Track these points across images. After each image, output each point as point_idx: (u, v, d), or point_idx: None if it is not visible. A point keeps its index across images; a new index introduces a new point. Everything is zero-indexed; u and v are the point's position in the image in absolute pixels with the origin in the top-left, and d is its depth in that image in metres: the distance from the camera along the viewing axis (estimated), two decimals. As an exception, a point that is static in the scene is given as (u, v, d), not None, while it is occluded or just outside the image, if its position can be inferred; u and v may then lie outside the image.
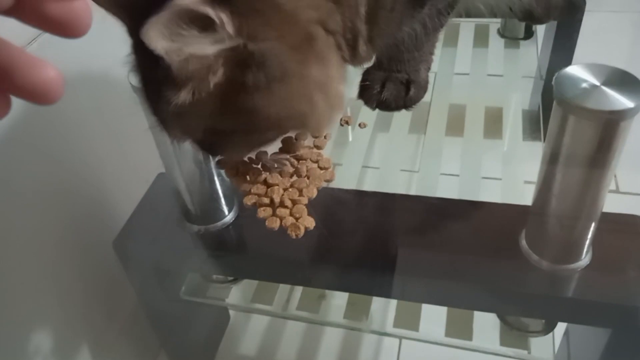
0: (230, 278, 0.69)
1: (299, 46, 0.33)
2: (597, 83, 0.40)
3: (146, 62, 0.33)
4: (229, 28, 0.30)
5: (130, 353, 0.76)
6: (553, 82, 0.41)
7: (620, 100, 0.39)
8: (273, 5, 0.32)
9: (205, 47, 0.30)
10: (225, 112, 0.34)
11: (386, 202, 0.58)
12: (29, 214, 0.57)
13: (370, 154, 0.80)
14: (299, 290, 0.67)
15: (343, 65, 0.38)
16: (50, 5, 0.20)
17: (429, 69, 0.53)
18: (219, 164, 0.51)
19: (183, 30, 0.29)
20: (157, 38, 0.28)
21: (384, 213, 0.57)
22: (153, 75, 0.32)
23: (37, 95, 0.20)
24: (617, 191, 0.97)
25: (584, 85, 0.40)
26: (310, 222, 0.45)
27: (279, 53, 0.32)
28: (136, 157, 0.70)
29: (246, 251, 0.57)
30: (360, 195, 0.61)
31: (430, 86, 0.62)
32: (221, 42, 0.30)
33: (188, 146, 0.52)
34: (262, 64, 0.32)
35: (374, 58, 0.50)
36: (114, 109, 0.66)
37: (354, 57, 0.40)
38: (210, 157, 0.42)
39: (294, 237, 0.45)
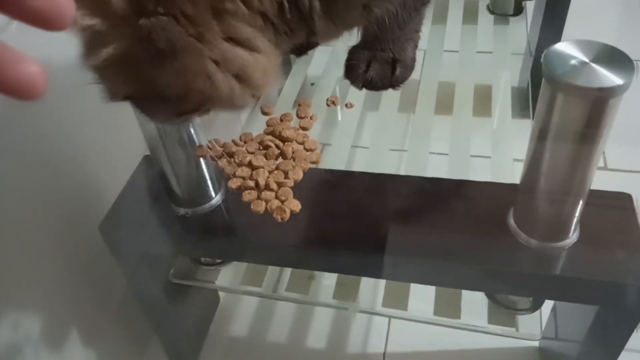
0: (219, 260, 0.68)
1: (198, 22, 0.33)
2: (586, 60, 0.40)
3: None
4: (119, 2, 0.31)
5: (122, 337, 0.76)
6: (542, 59, 0.40)
7: (610, 77, 0.38)
8: None
9: (93, 20, 0.31)
10: (133, 81, 0.35)
11: (375, 182, 0.58)
12: (13, 200, 0.56)
13: (360, 134, 0.80)
14: (288, 271, 0.67)
15: (270, 44, 0.37)
16: None
17: (416, 46, 0.52)
18: (197, 152, 0.50)
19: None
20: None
21: (373, 194, 0.57)
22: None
23: (20, 92, 0.20)
24: (605, 168, 0.97)
25: (573, 62, 0.40)
26: (296, 205, 0.45)
27: (168, 28, 0.32)
28: (121, 139, 0.69)
29: (234, 234, 0.56)
30: (349, 175, 0.60)
31: (419, 64, 0.61)
32: (110, 17, 0.31)
33: (172, 128, 0.51)
34: (149, 37, 0.32)
35: (358, 36, 0.49)
36: (97, 90, 0.64)
37: (310, 31, 0.39)
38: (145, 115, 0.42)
39: (279, 220, 0.44)
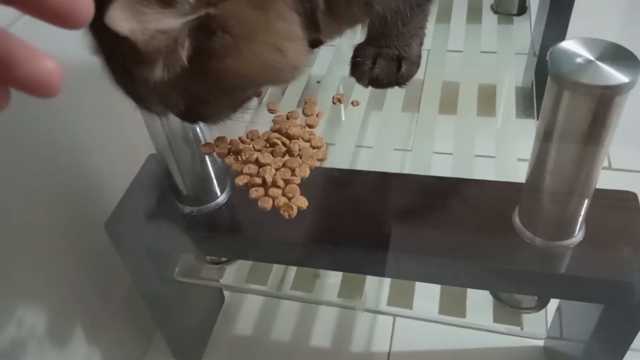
0: (224, 259, 0.69)
1: (259, 3, 0.34)
2: (592, 58, 0.40)
3: (110, 44, 0.33)
4: None
5: (126, 334, 0.77)
6: (547, 57, 0.40)
7: (615, 75, 0.38)
8: None
9: (169, 21, 0.30)
10: (201, 80, 0.35)
11: (380, 181, 0.58)
12: (20, 197, 0.56)
13: (364, 133, 0.80)
14: (293, 269, 0.67)
15: (303, 28, 0.38)
16: None
17: (421, 43, 0.52)
18: (204, 149, 0.50)
19: (145, 9, 0.29)
20: (121, 20, 0.28)
21: (378, 192, 0.57)
22: (120, 56, 0.33)
23: (37, 88, 0.20)
24: (609, 168, 0.97)
25: (579, 60, 0.40)
26: (303, 202, 0.45)
27: (240, 12, 0.33)
28: (127, 137, 0.69)
29: (239, 232, 0.57)
30: (353, 174, 0.60)
31: (423, 64, 0.61)
32: (184, 15, 0.31)
33: (178, 126, 0.51)
34: (225, 25, 0.32)
35: (363, 33, 0.49)
36: (103, 89, 0.64)
37: (315, 29, 0.39)
38: (195, 124, 0.42)
39: (286, 217, 0.44)
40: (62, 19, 0.20)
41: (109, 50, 0.34)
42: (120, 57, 0.33)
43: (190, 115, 0.41)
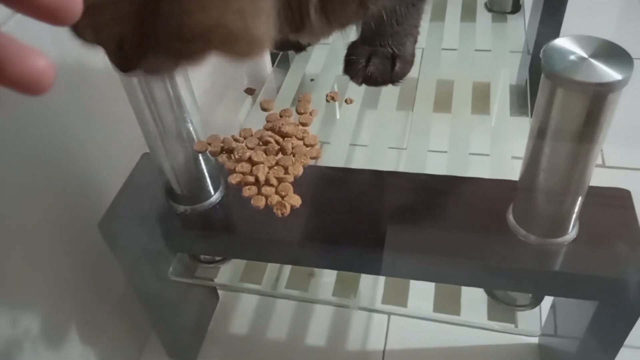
0: (219, 258, 0.68)
1: None
2: (585, 55, 0.40)
3: None
4: None
5: (121, 334, 0.76)
6: (541, 55, 0.40)
7: (609, 72, 0.38)
8: None
9: None
10: (147, 19, 0.32)
11: (374, 179, 0.58)
12: (13, 196, 0.56)
13: (358, 132, 0.80)
14: (287, 268, 0.67)
15: (280, 19, 0.35)
16: None
17: (415, 42, 0.52)
18: (196, 147, 0.50)
19: None
20: None
21: (372, 190, 0.57)
22: None
23: (27, 86, 0.20)
24: (603, 165, 0.98)
25: (572, 57, 0.40)
26: (296, 200, 0.45)
27: None
28: (120, 136, 0.69)
29: (233, 231, 0.56)
30: (348, 172, 0.60)
31: (417, 62, 0.61)
32: None
33: (172, 125, 0.51)
34: None
35: (358, 32, 0.49)
36: (96, 88, 0.64)
37: (301, 27, 0.38)
38: (122, 70, 0.39)
39: (279, 215, 0.44)
40: (51, 16, 0.20)
41: None
42: None
43: (120, 57, 0.36)
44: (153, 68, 0.37)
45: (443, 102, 0.76)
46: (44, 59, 0.20)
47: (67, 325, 0.66)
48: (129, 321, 0.77)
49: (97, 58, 0.61)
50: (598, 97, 0.39)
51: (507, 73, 0.83)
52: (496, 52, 0.86)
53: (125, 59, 0.36)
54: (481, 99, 0.78)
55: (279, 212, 0.44)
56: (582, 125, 0.41)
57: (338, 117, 0.75)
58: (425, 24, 0.63)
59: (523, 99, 0.90)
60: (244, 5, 0.32)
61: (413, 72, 0.56)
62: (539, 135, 0.44)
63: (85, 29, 0.33)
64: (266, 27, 0.34)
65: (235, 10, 0.32)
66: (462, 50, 0.85)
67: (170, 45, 0.34)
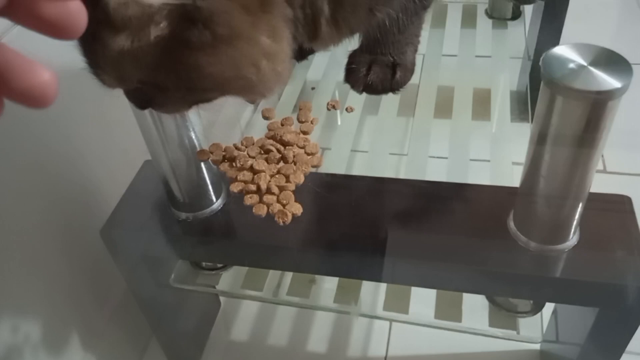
0: (220, 265, 0.68)
1: (253, 9, 0.32)
2: (585, 63, 0.40)
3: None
4: None
5: (121, 340, 0.76)
6: (540, 63, 0.41)
7: (608, 80, 0.39)
8: None
9: None
10: (165, 66, 0.33)
11: (375, 185, 0.58)
12: (15, 203, 0.56)
13: (359, 138, 0.80)
14: (289, 275, 0.67)
15: (292, 43, 0.37)
16: (44, 6, 0.19)
17: (415, 50, 0.53)
18: (199, 155, 0.50)
19: None
20: None
21: (373, 197, 0.57)
22: (92, 13, 0.31)
23: (31, 99, 0.20)
24: (604, 171, 0.98)
25: (572, 65, 0.40)
26: (297, 209, 0.45)
27: (230, 12, 0.31)
28: (122, 144, 0.69)
29: (235, 238, 0.57)
30: (348, 179, 0.60)
31: (418, 68, 0.61)
32: None
33: (174, 133, 0.51)
34: (209, 21, 0.31)
35: (359, 40, 0.50)
36: (98, 95, 0.64)
37: (315, 37, 0.38)
38: (142, 108, 0.41)
39: (281, 223, 0.45)
40: (56, 30, 0.20)
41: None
42: (91, 13, 0.31)
43: (138, 99, 0.38)
44: (168, 109, 0.39)
45: (444, 108, 0.76)
46: (47, 72, 0.20)
47: (67, 331, 0.66)
48: (128, 327, 0.77)
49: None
50: (597, 105, 0.40)
51: (507, 79, 0.83)
52: (496, 59, 0.86)
53: (143, 101, 0.38)
54: (482, 104, 0.78)
55: (281, 221, 0.44)
56: (581, 132, 0.41)
57: (339, 123, 0.75)
58: (425, 31, 0.63)
59: (523, 105, 0.90)
60: (258, 56, 0.34)
61: (414, 78, 0.56)
62: (539, 142, 0.44)
63: (107, 75, 0.35)
64: (279, 71, 0.35)
65: (250, 62, 0.33)
66: (462, 57, 0.86)
67: (189, 92, 0.36)
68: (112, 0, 0.29)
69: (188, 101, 0.38)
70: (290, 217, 0.45)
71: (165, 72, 0.33)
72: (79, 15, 0.20)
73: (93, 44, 0.32)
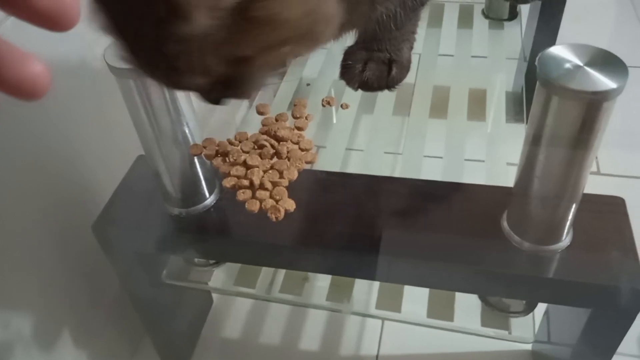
0: (212, 261, 0.68)
1: None
2: (580, 63, 0.40)
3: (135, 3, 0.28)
4: None
5: (114, 337, 0.76)
6: (536, 63, 0.41)
7: (603, 81, 0.39)
8: None
9: None
10: (243, 33, 0.30)
11: (370, 184, 0.58)
12: (7, 200, 0.56)
13: (355, 136, 0.80)
14: (282, 272, 0.67)
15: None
16: None
17: (411, 48, 0.53)
18: (192, 150, 0.49)
19: None
20: None
21: (368, 195, 0.57)
22: (149, 15, 0.28)
23: (23, 92, 0.19)
24: (597, 173, 0.98)
25: (567, 65, 0.40)
26: (290, 205, 0.45)
27: None
28: (116, 139, 0.69)
29: (228, 234, 0.56)
30: (343, 177, 0.60)
31: (414, 67, 0.61)
32: None
33: (167, 127, 0.51)
34: None
35: (355, 36, 0.49)
36: (91, 90, 0.64)
37: None
38: (214, 102, 0.38)
39: (274, 219, 0.44)
40: (50, 22, 0.20)
41: (132, 11, 0.29)
42: (148, 15, 0.28)
43: (220, 88, 0.35)
44: (248, 87, 0.36)
45: (439, 107, 0.77)
46: (39, 63, 0.19)
47: (60, 328, 0.66)
48: (121, 325, 0.76)
49: (92, 57, 0.61)
50: (593, 106, 0.40)
51: (503, 79, 0.83)
52: (492, 59, 0.86)
53: (222, 90, 0.36)
54: (477, 105, 0.78)
55: (273, 217, 0.44)
56: (576, 132, 0.41)
57: (335, 121, 0.75)
58: (422, 30, 0.63)
59: (519, 105, 0.90)
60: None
61: (410, 78, 0.56)
62: (533, 142, 0.44)
63: (188, 75, 0.32)
64: (332, 4, 0.34)
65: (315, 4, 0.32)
66: (458, 57, 0.86)
67: (268, 54, 0.33)
68: None
69: (268, 66, 0.35)
70: (283, 213, 0.44)
71: (244, 39, 0.31)
72: (73, 6, 0.20)
73: (166, 45, 0.30)
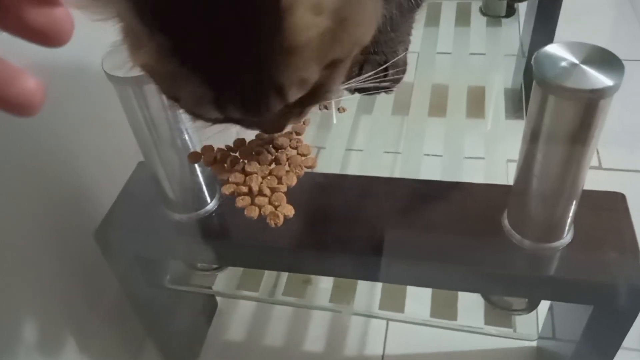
0: (215, 265, 0.68)
1: None
2: (577, 61, 0.40)
3: (226, 17, 0.25)
4: None
5: (117, 342, 0.76)
6: (532, 62, 0.41)
7: (600, 79, 0.38)
8: None
9: None
10: (337, 34, 0.29)
11: (368, 185, 0.58)
12: (8, 205, 0.56)
13: (354, 137, 0.80)
14: (284, 275, 0.67)
15: None
16: (31, 14, 0.19)
17: (406, 49, 0.53)
18: (191, 158, 0.49)
19: None
20: None
21: (367, 197, 0.57)
22: (242, 29, 0.25)
23: (18, 108, 0.20)
24: (599, 167, 0.98)
25: (563, 64, 0.40)
26: (289, 210, 0.45)
27: None
28: (116, 145, 0.69)
29: (229, 239, 0.56)
30: (343, 179, 0.60)
31: (413, 66, 0.61)
32: None
33: (166, 134, 0.51)
34: None
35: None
36: (91, 94, 0.64)
37: None
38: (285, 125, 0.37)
39: (273, 225, 0.44)
40: (43, 39, 0.20)
41: (219, 27, 0.26)
42: (248, 34, 0.26)
43: (311, 97, 0.33)
44: (327, 95, 0.35)
45: (438, 106, 0.77)
46: (33, 80, 0.20)
47: (61, 333, 0.66)
48: (124, 329, 0.77)
49: (91, 63, 0.62)
50: (589, 104, 0.39)
51: (501, 77, 0.83)
52: (491, 56, 0.86)
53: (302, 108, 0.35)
54: (476, 102, 0.78)
55: (272, 223, 0.44)
56: (574, 131, 0.41)
57: (334, 122, 0.75)
58: (420, 29, 0.63)
59: (518, 102, 0.90)
60: None
61: (408, 77, 0.56)
62: (531, 141, 0.44)
63: (292, 88, 0.30)
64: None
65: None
66: (456, 55, 0.86)
67: (351, 55, 0.33)
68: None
69: (346, 70, 0.35)
70: (282, 219, 0.44)
71: (339, 40, 0.30)
72: (66, 21, 0.20)
73: (271, 62, 0.28)
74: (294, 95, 0.30)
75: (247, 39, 0.26)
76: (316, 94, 0.33)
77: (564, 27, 0.94)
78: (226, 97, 0.29)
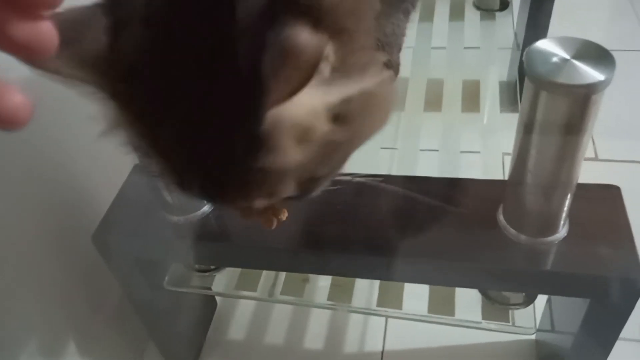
0: (213, 266, 0.69)
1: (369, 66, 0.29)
2: (568, 57, 0.40)
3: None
4: (332, 59, 0.25)
5: (119, 343, 0.76)
6: (524, 58, 0.41)
7: (591, 74, 0.39)
8: (357, 20, 0.27)
9: (313, 92, 0.24)
10: (324, 155, 0.28)
11: (364, 183, 0.58)
12: (7, 209, 0.56)
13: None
14: (283, 274, 0.67)
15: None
16: (14, 28, 0.19)
17: (400, 50, 0.53)
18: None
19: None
20: None
21: (363, 195, 0.57)
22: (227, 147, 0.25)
23: (4, 122, 0.20)
24: (595, 159, 0.98)
25: (555, 59, 0.40)
26: (283, 214, 0.45)
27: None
28: (111, 148, 0.69)
29: (226, 240, 0.57)
30: (338, 177, 0.60)
31: (407, 62, 0.61)
32: (325, 82, 0.25)
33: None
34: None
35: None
36: (87, 99, 0.64)
37: None
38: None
39: (266, 228, 0.45)
40: (27, 52, 0.20)
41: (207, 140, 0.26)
42: (232, 147, 0.25)
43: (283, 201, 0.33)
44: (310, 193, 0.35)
45: (433, 101, 0.77)
46: (19, 95, 0.20)
47: (63, 336, 0.67)
48: (126, 330, 0.77)
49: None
50: (581, 99, 0.40)
51: (496, 70, 0.83)
52: (485, 50, 0.86)
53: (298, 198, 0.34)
54: (471, 96, 0.78)
55: (266, 226, 0.44)
56: (566, 125, 0.41)
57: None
58: (414, 24, 0.63)
59: (513, 95, 0.90)
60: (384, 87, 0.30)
61: (403, 72, 0.56)
62: (525, 135, 0.44)
63: (272, 195, 0.30)
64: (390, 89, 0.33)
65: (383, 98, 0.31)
66: (451, 49, 0.86)
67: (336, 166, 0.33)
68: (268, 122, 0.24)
69: (334, 171, 0.34)
70: (275, 223, 0.44)
71: (325, 160, 0.30)
72: (50, 36, 0.20)
73: (248, 176, 0.27)
74: (260, 204, 0.30)
75: (218, 152, 0.26)
76: (301, 197, 0.33)
77: (559, 16, 0.94)
78: (189, 185, 0.29)
